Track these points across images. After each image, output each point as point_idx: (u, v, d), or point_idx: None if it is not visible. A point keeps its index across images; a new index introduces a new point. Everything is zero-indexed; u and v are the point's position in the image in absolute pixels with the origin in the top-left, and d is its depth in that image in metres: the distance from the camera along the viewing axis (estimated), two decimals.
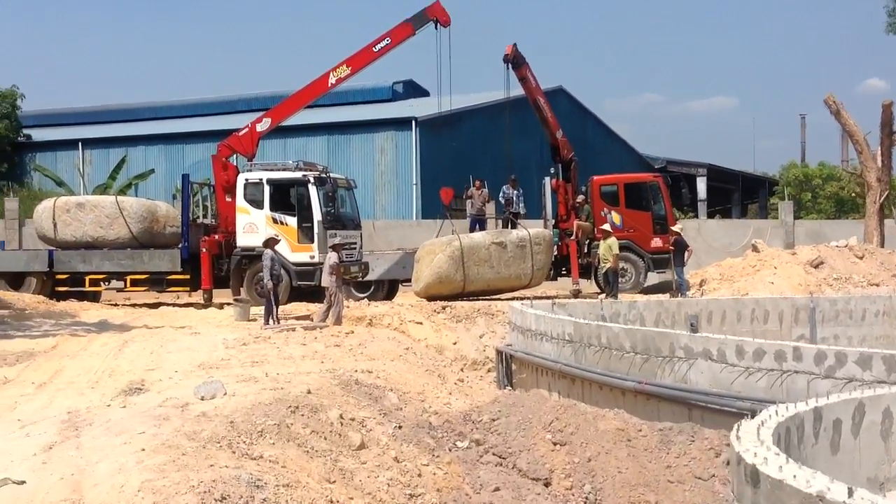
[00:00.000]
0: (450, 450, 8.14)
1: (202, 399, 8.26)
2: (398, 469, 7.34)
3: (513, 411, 8.53)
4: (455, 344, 19.00)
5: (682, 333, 11.91)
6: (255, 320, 18.46)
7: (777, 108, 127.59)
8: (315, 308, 20.46)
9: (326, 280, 17.32)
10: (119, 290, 23.73)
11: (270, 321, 17.34)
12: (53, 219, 22.82)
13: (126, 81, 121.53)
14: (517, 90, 24.90)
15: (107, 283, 23.24)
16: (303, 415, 7.69)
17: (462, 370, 14.64)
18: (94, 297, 23.92)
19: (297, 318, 18.88)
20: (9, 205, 30.01)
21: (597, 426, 8.35)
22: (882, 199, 28.68)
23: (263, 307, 17.59)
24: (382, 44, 22.80)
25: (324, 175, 21.85)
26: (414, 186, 37.26)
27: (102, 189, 33.97)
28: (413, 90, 47.62)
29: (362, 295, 23.59)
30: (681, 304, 19.53)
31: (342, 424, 7.81)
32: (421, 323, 19.52)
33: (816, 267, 24.32)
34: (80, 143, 42.06)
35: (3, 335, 15.10)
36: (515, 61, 23.91)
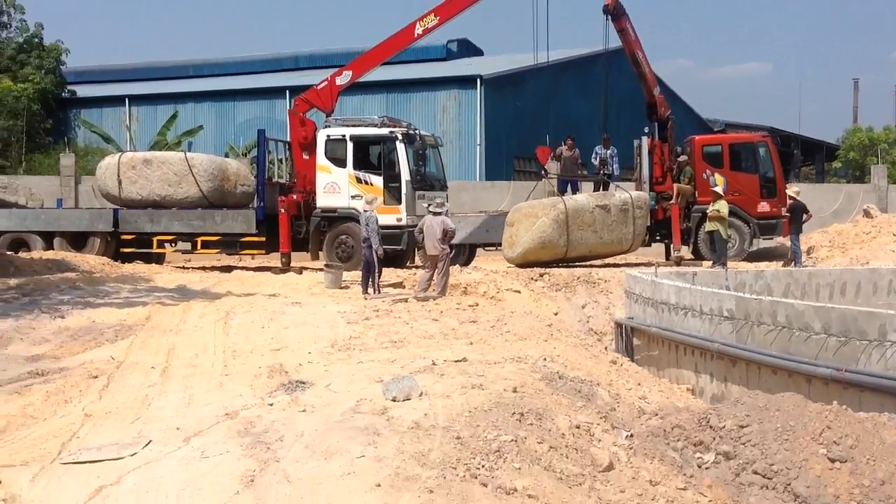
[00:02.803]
0: (699, 466, 6.46)
1: (394, 400, 6.62)
2: (658, 497, 5.68)
3: (766, 416, 6.83)
4: (556, 315, 17.32)
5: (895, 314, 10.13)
6: (347, 287, 16.88)
7: (811, 73, 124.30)
8: (404, 274, 18.87)
9: (435, 247, 15.61)
10: (186, 251, 22.16)
11: (370, 290, 15.75)
12: (118, 175, 21.17)
13: (172, 39, 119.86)
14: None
15: (174, 245, 21.67)
16: (531, 424, 6.05)
17: (605, 349, 12.85)
18: (159, 260, 22.42)
19: (389, 286, 17.22)
20: (64, 161, 28.41)
21: (881, 438, 6.64)
22: None
23: (361, 274, 15.97)
24: None
25: (412, 131, 20.11)
26: (478, 147, 35.47)
27: (156, 146, 32.33)
28: (467, 49, 45.76)
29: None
30: (812, 274, 17.75)
31: (575, 436, 6.16)
32: (519, 291, 17.93)
33: None
34: (126, 100, 40.47)
35: (85, 303, 13.54)
36: (615, 12, 21.97)
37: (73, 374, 8.49)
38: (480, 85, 35.22)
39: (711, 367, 12.85)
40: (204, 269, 21.30)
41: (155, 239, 21.13)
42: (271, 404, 6.89)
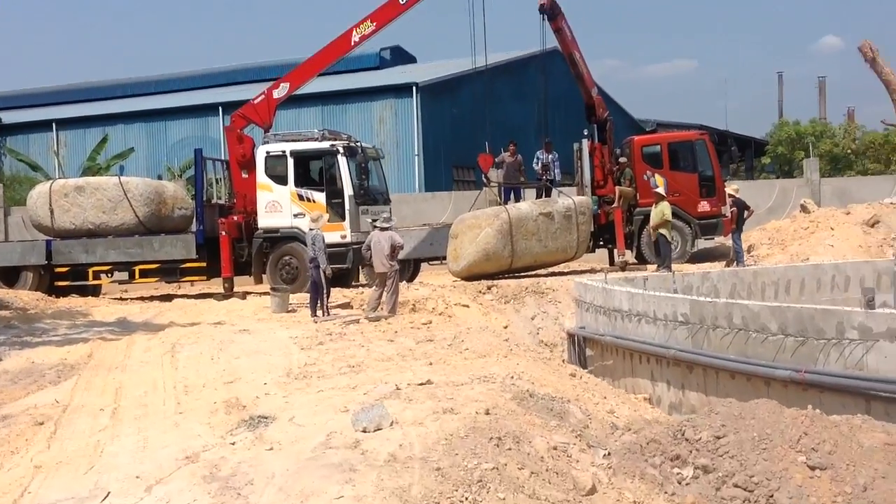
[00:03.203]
0: (679, 482, 6.31)
1: (364, 431, 6.36)
2: None
3: (741, 425, 6.73)
4: (506, 328, 17.18)
5: (854, 311, 10.13)
6: (294, 311, 16.54)
7: (736, 68, 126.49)
8: (351, 294, 18.57)
9: (384, 264, 15.33)
10: (123, 282, 21.51)
11: (319, 312, 15.42)
12: (50, 204, 20.46)
13: (99, 59, 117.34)
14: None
15: (111, 276, 21.01)
16: (509, 448, 5.86)
17: (563, 362, 12.72)
18: (95, 292, 21.66)
19: (337, 307, 16.90)
20: None
21: (859, 441, 6.57)
22: None
23: (309, 296, 15.64)
24: None
25: (353, 144, 19.83)
26: (416, 157, 35.26)
27: (87, 171, 31.47)
28: (400, 56, 45.62)
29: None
30: (757, 273, 17.87)
31: (554, 458, 5.99)
32: (468, 306, 17.76)
33: (873, 226, 22.74)
34: (53, 124, 39.43)
35: (22, 343, 13.01)
36: (551, 11, 21.93)
37: (17, 421, 8.08)
38: (416, 93, 35.04)
39: (668, 375, 12.78)
40: (143, 299, 20.74)
41: (91, 270, 20.43)
42: (234, 443, 6.59)
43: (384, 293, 15.60)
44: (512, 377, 8.11)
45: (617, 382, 13.91)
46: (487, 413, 6.63)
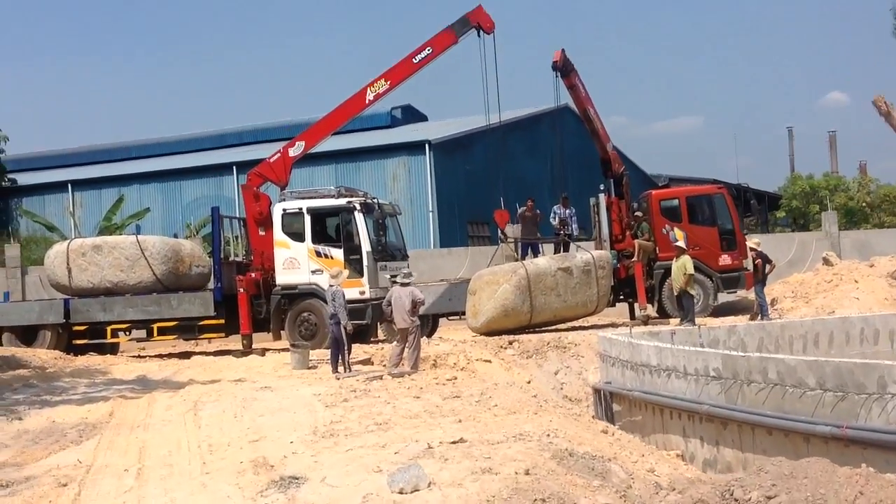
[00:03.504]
0: None
1: (401, 492, 6.11)
2: None
3: (793, 485, 6.45)
4: (529, 383, 16.90)
5: (894, 365, 9.85)
6: (315, 367, 16.31)
7: (743, 124, 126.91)
8: (371, 349, 18.33)
9: (405, 319, 15.12)
10: (141, 339, 21.34)
11: (340, 368, 15.18)
12: (67, 264, 20.40)
13: (114, 122, 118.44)
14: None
15: (128, 334, 20.84)
16: None
17: (593, 418, 12.43)
18: (113, 350, 21.51)
19: (358, 363, 16.65)
20: (9, 252, 27.45)
21: None
22: None
23: (330, 352, 15.42)
24: (423, 54, 20.79)
25: (370, 200, 19.74)
26: (430, 213, 35.18)
27: (103, 231, 31.48)
28: (412, 115, 45.83)
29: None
30: (784, 326, 17.59)
31: None
32: (489, 361, 17.51)
33: None
34: (69, 185, 39.58)
35: (42, 402, 12.80)
36: (564, 68, 21.95)
37: (39, 482, 7.84)
38: (429, 150, 35.07)
39: (701, 431, 12.47)
40: (161, 356, 20.55)
41: (109, 328, 20.28)
42: None
43: (405, 349, 15.37)
44: (548, 435, 7.86)
45: (647, 438, 13.59)
46: (528, 473, 6.37)
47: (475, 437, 7.94)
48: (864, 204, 51.46)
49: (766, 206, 62.59)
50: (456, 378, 13.20)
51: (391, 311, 15.53)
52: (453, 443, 7.71)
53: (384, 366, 16.55)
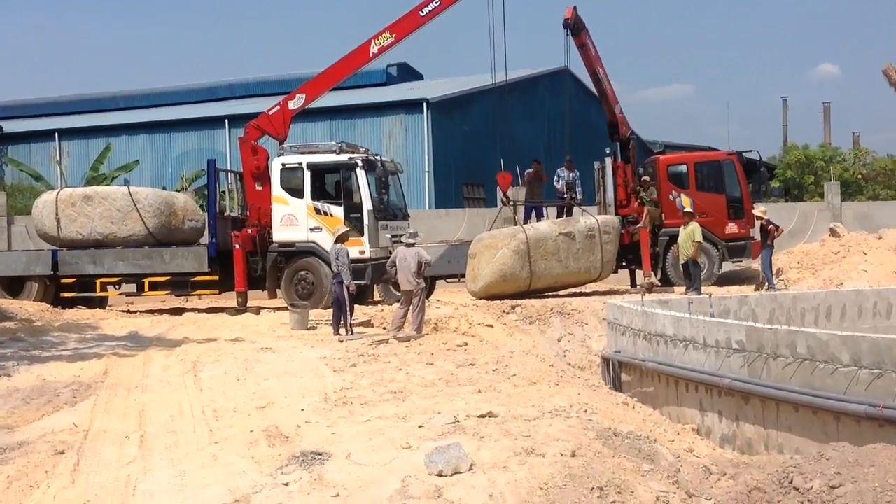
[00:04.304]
0: None
1: (440, 475, 5.57)
2: None
3: (859, 474, 5.96)
4: (532, 349, 16.41)
5: None
6: (314, 328, 15.76)
7: (735, 93, 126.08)
8: (370, 311, 17.79)
9: (410, 281, 14.56)
10: (130, 294, 20.69)
11: (342, 330, 14.63)
12: (56, 214, 19.66)
13: (103, 71, 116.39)
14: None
15: (118, 288, 20.19)
16: (614, 502, 5.06)
17: (611, 389, 11.94)
18: (101, 304, 20.83)
19: (359, 325, 16.09)
20: None
21: None
22: None
23: (332, 313, 14.86)
24: (431, 6, 19.98)
25: (372, 157, 19.09)
26: (426, 174, 34.53)
27: (91, 181, 30.68)
28: (408, 73, 44.94)
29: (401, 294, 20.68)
30: (796, 298, 17.12)
31: None
32: (492, 326, 17.03)
33: None
34: (56, 134, 38.60)
35: (31, 357, 12.19)
36: (575, 26, 21.21)
37: (34, 449, 7.25)
38: (427, 109, 34.34)
39: (720, 405, 11.99)
40: (151, 312, 19.93)
41: (98, 282, 19.62)
42: (287, 484, 5.79)
43: (410, 311, 14.83)
44: (585, 411, 7.33)
45: (660, 410, 13.11)
46: (574, 455, 5.85)
47: (504, 411, 7.40)
48: (859, 176, 51.07)
49: (758, 176, 62.09)
50: (466, 344, 12.66)
51: (395, 272, 14.98)
52: (482, 416, 7.18)
53: (384, 328, 16.06)
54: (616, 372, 15.30)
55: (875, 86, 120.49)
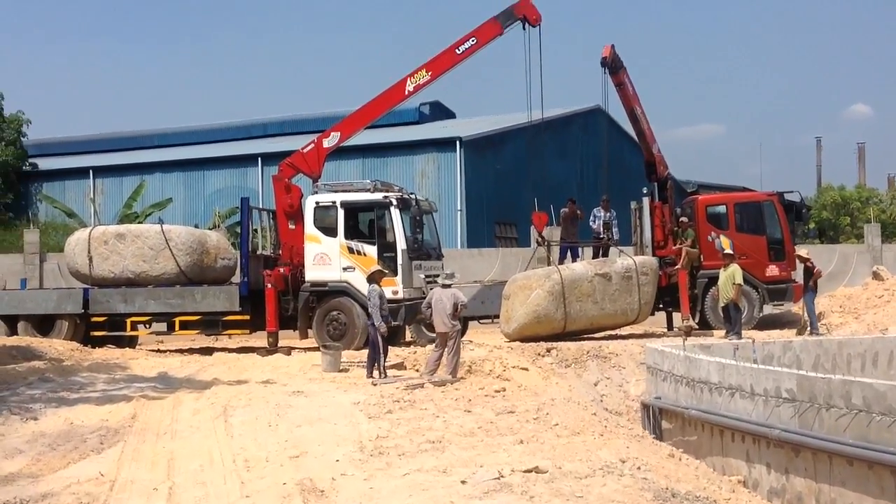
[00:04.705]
0: None
1: None
2: None
3: None
4: (573, 395, 15.97)
5: None
6: (345, 370, 15.43)
7: (766, 134, 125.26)
8: (403, 353, 17.44)
9: (445, 323, 14.23)
10: (161, 333, 20.48)
11: (376, 373, 14.30)
12: (89, 252, 19.54)
13: (137, 108, 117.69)
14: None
15: (149, 327, 20.00)
16: None
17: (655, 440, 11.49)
18: (131, 343, 20.62)
19: (391, 368, 15.74)
20: (28, 237, 26.54)
21: None
22: None
23: (367, 355, 14.56)
24: (467, 44, 19.88)
25: (407, 196, 18.85)
26: (458, 212, 34.26)
27: (123, 219, 30.68)
28: (440, 111, 44.89)
29: (434, 334, 20.24)
30: (842, 344, 16.58)
31: None
32: (527, 369, 16.61)
33: None
34: (90, 172, 38.80)
35: (59, 399, 11.94)
36: (613, 65, 20.98)
37: (58, 502, 6.95)
38: (460, 147, 34.15)
39: (768, 456, 11.51)
40: (182, 352, 19.67)
41: (129, 320, 19.43)
42: None
43: (445, 354, 14.48)
44: (639, 468, 6.94)
45: (703, 460, 12.63)
46: None
47: (551, 466, 7.01)
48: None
49: (792, 217, 61.32)
50: (504, 390, 12.26)
51: (430, 314, 14.66)
52: (528, 471, 6.79)
53: (417, 370, 15.73)
54: (656, 419, 14.82)
55: None
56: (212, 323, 19.31)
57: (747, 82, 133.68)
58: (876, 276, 22.82)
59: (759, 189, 49.97)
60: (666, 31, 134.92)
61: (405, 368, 15.99)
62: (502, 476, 6.77)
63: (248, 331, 19.53)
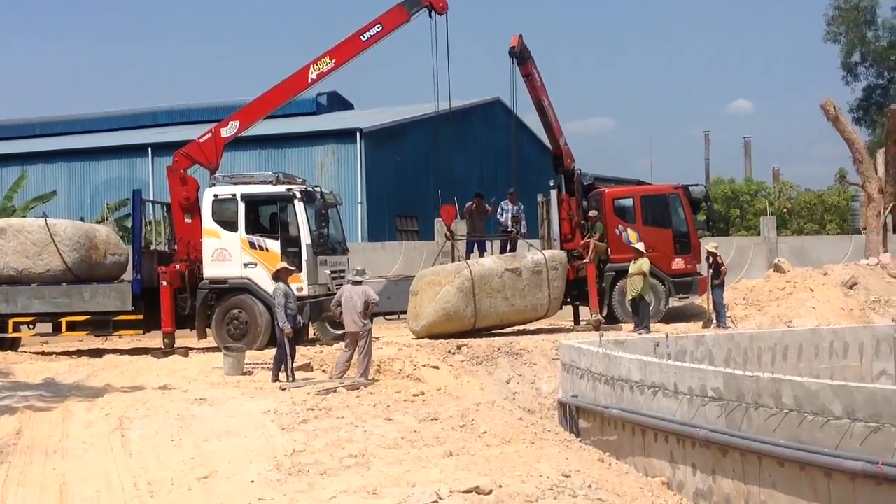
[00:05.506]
0: None
1: None
2: None
3: None
4: (480, 391, 15.52)
5: None
6: (249, 373, 14.61)
7: (654, 127, 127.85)
8: (309, 352, 16.68)
9: (356, 322, 13.55)
10: (46, 334, 19.16)
11: (283, 376, 13.53)
12: None
13: (17, 95, 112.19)
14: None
15: (32, 328, 18.68)
16: None
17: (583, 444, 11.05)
18: (13, 345, 19.18)
19: (298, 369, 14.95)
20: None
21: None
22: (888, 211, 26.36)
23: (274, 357, 13.78)
24: (372, 31, 19.14)
25: (311, 189, 18.04)
26: (359, 205, 33.53)
27: (2, 212, 28.88)
28: (338, 102, 44.04)
29: (338, 332, 19.50)
30: (753, 338, 16.57)
31: None
32: (437, 367, 16.19)
33: (851, 288, 21.82)
34: None
35: None
36: (521, 55, 20.55)
37: None
38: (361, 139, 33.40)
39: (694, 457, 11.22)
40: (69, 353, 18.45)
41: (10, 321, 18.09)
42: None
43: (356, 354, 13.80)
44: (589, 486, 6.43)
45: (624, 461, 12.29)
46: None
47: (491, 484, 6.44)
48: (784, 210, 51.68)
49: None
50: (423, 393, 11.65)
51: (340, 312, 13.96)
52: (467, 492, 6.21)
53: (324, 371, 15.05)
54: (573, 418, 14.46)
55: (788, 119, 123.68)
56: (102, 323, 18.11)
57: (635, 78, 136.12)
58: (777, 268, 23.05)
59: (651, 182, 50.71)
60: (557, 26, 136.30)
61: (312, 370, 15.29)
62: (440, 499, 6.17)
63: (141, 331, 18.41)
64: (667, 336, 16.40)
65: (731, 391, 10.70)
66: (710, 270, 19.79)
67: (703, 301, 21.33)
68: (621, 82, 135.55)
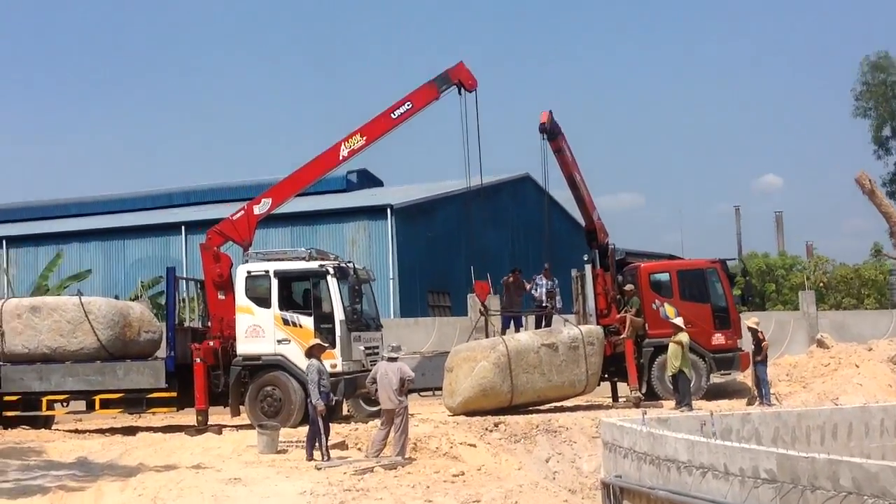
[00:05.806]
0: None
1: None
2: None
3: None
4: (519, 470, 15.14)
5: None
6: (284, 451, 14.34)
7: (683, 202, 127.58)
8: (343, 430, 16.38)
9: (392, 399, 13.31)
10: (79, 412, 19.03)
11: (317, 454, 13.25)
12: (0, 326, 18.17)
13: (52, 177, 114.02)
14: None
15: (66, 405, 18.58)
16: None
17: None
18: (47, 423, 19.11)
19: (333, 447, 14.66)
20: None
21: None
22: None
23: (307, 435, 13.52)
24: (403, 109, 19.30)
25: (344, 265, 17.97)
26: (391, 281, 33.41)
27: (37, 291, 29.04)
28: (368, 179, 44.35)
29: (373, 409, 19.25)
30: (801, 416, 16.02)
31: None
32: (475, 445, 15.83)
33: None
34: (3, 242, 37.01)
35: None
36: (551, 131, 20.60)
37: None
38: (391, 215, 33.46)
39: None
40: (102, 432, 18.28)
41: (44, 399, 18.04)
42: None
43: (392, 432, 13.53)
44: None
45: None
46: None
47: None
48: (821, 284, 51.01)
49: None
50: (463, 473, 11.33)
51: (376, 390, 13.73)
52: None
53: (359, 449, 14.74)
54: (618, 499, 13.99)
55: (819, 194, 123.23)
56: (136, 401, 18.00)
57: (665, 152, 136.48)
58: (820, 343, 22.64)
59: (683, 256, 50.39)
60: (586, 103, 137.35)
61: (347, 448, 14.98)
62: None
63: (175, 408, 18.31)
64: (712, 414, 16.00)
65: (784, 473, 10.24)
66: (752, 346, 19.42)
67: (745, 377, 20.89)
68: (650, 157, 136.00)
